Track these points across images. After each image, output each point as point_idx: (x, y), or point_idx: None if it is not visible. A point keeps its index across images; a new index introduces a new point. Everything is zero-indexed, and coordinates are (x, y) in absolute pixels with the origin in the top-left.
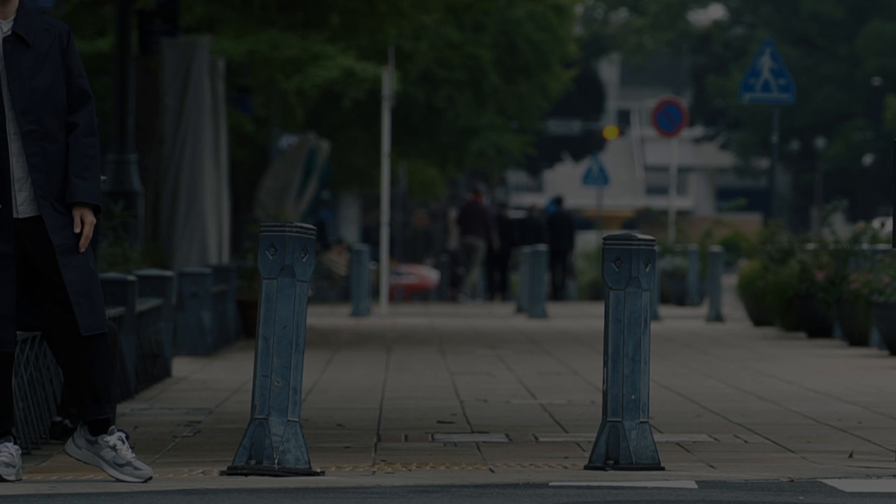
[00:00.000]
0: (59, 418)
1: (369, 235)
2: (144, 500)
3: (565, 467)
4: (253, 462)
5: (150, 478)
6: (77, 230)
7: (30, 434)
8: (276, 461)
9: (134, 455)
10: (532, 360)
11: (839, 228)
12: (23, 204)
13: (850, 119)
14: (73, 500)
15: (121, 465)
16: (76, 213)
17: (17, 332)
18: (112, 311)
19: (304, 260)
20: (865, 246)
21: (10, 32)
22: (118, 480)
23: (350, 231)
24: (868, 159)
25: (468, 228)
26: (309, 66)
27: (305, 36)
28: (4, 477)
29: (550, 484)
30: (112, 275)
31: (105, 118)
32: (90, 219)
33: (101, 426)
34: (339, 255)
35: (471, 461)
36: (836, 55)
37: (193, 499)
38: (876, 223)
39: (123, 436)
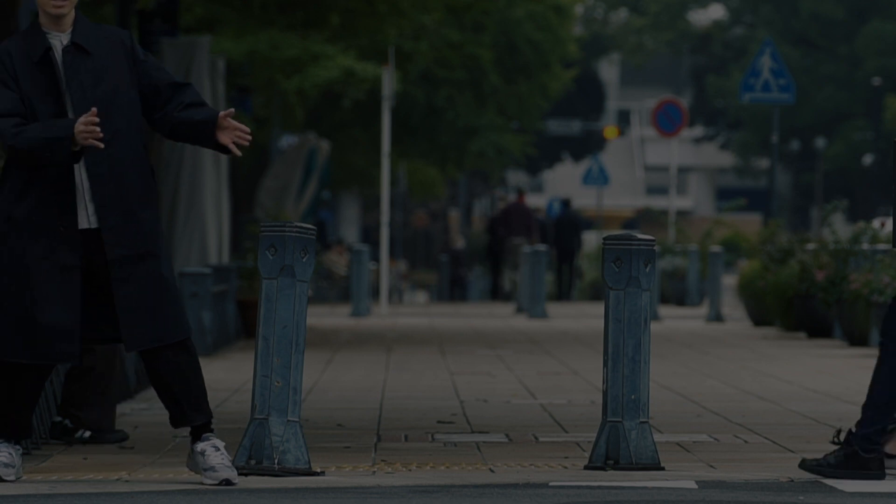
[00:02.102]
0: (59, 418)
1: (369, 235)
2: (144, 500)
3: (565, 467)
4: (253, 462)
5: (226, 480)
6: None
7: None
8: (276, 461)
9: (223, 461)
10: (532, 360)
11: (839, 228)
12: (88, 215)
13: (850, 119)
14: (73, 500)
15: (205, 471)
16: (223, 116)
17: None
18: None
19: (304, 260)
20: (865, 246)
21: (69, 42)
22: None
23: (350, 231)
24: (868, 159)
25: (513, 230)
26: (309, 66)
27: (305, 36)
28: (4, 477)
29: (550, 484)
30: None
31: None
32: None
33: (193, 433)
34: (339, 255)
35: (471, 461)
36: (836, 55)
37: (193, 499)
38: (876, 223)
39: (219, 443)
